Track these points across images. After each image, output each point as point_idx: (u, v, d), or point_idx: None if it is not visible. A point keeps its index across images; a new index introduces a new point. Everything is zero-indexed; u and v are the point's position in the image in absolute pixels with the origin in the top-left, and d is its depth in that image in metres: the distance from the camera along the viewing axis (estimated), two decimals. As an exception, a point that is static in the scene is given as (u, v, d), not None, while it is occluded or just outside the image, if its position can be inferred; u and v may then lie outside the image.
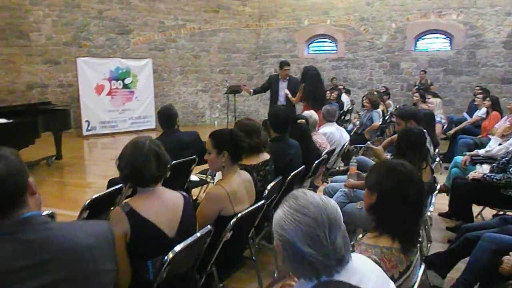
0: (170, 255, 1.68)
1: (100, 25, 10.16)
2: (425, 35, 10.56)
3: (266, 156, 2.84)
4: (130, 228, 1.70)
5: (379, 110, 6.71)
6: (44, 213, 2.11)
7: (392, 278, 1.37)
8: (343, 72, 11.50)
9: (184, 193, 1.97)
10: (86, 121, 9.42)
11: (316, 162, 3.45)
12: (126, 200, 1.81)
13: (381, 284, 1.09)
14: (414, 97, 7.80)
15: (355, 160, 3.57)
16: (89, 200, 2.45)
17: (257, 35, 12.11)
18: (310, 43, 11.89)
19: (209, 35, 11.54)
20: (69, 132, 8.43)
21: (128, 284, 1.72)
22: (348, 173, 3.47)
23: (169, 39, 11.06)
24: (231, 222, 2.09)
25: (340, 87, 10.90)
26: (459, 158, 4.26)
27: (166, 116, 3.43)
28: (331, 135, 4.27)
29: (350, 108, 9.57)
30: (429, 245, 3.62)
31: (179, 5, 11.02)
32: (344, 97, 10.51)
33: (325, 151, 3.79)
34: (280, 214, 1.08)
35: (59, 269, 1.18)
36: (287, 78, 6.47)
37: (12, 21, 9.27)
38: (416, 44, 10.70)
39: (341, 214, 1.10)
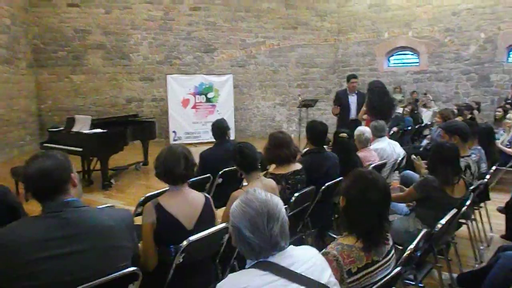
0: (185, 243, 2.04)
1: (189, 45, 11.23)
2: (520, 44, 9.73)
3: (297, 166, 3.08)
4: (156, 219, 2.10)
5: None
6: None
7: (349, 271, 1.59)
8: (426, 85, 11.05)
9: (207, 195, 2.34)
10: (173, 131, 10.41)
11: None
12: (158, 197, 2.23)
13: (314, 270, 1.31)
14: (497, 112, 7.32)
15: (398, 175, 3.60)
16: (143, 198, 2.94)
17: (336, 49, 12.23)
18: (390, 56, 11.66)
19: (288, 51, 11.98)
20: (160, 141, 9.47)
21: (155, 264, 2.13)
22: (391, 187, 3.53)
23: (249, 56, 11.75)
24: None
25: (423, 100, 10.50)
26: (522, 177, 4.00)
27: (217, 128, 3.87)
28: (381, 151, 4.29)
29: (429, 123, 9.18)
30: (477, 265, 3.51)
31: (259, 23, 11.68)
32: (425, 112, 10.14)
33: (371, 165, 3.88)
34: (234, 205, 1.38)
35: (85, 241, 1.61)
36: (356, 91, 6.58)
37: (117, 44, 10.74)
38: (509, 54, 9.90)
39: (283, 209, 1.36)
